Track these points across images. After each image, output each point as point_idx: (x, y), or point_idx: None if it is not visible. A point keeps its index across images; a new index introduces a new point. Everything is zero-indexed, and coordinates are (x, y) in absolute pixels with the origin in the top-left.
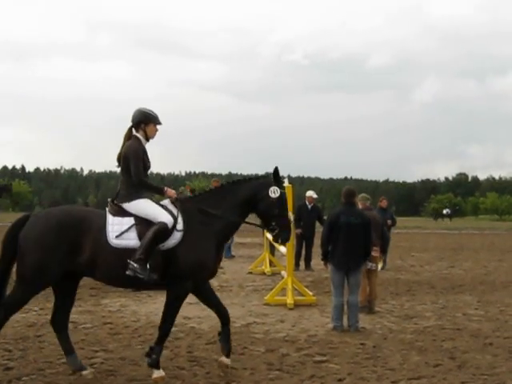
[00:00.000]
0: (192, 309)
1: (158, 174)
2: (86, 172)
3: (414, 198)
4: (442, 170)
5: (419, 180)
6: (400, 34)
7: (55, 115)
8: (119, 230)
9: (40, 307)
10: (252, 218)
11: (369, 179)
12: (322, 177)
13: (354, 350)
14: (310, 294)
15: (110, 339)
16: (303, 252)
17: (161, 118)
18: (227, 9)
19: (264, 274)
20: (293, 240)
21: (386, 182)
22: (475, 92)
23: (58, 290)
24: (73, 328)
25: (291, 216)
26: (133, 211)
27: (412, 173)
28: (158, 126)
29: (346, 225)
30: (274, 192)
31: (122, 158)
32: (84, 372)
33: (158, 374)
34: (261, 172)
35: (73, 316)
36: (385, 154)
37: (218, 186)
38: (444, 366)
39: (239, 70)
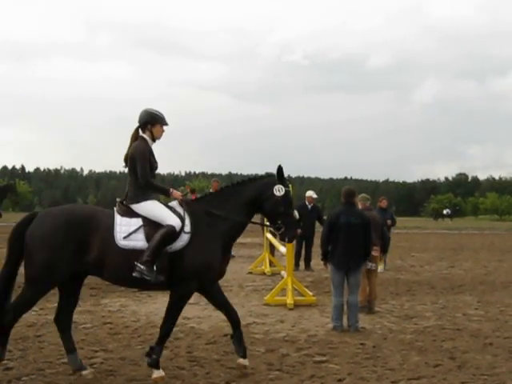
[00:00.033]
0: (192, 309)
1: (157, 174)
2: (85, 172)
3: (414, 198)
4: (441, 170)
5: (419, 180)
6: (400, 35)
7: (55, 115)
8: (127, 231)
9: (40, 307)
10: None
11: (369, 179)
12: (321, 177)
13: (353, 350)
14: (310, 294)
15: (109, 339)
16: (303, 252)
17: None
18: (227, 9)
19: (264, 274)
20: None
21: (386, 182)
22: (475, 92)
23: (63, 290)
24: (73, 328)
25: (297, 214)
26: (141, 212)
27: (412, 173)
28: (165, 127)
29: (346, 225)
30: (278, 190)
31: (129, 159)
32: (84, 372)
33: (157, 374)
34: (261, 172)
35: (73, 316)
36: (385, 154)
37: (224, 188)
38: (444, 366)
39: (239, 70)
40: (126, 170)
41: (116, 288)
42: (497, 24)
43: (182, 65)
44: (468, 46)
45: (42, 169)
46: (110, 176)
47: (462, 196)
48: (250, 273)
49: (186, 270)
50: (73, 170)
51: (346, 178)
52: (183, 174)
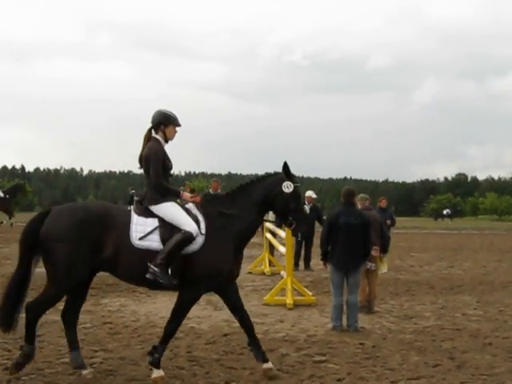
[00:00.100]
0: (192, 309)
1: None
2: (85, 172)
3: (414, 199)
4: (441, 171)
5: (418, 180)
6: (400, 35)
7: (55, 115)
8: (143, 231)
9: None
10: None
11: (368, 179)
12: (321, 177)
13: (353, 349)
14: (310, 294)
15: (109, 339)
16: (302, 252)
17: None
18: (227, 10)
19: (263, 273)
20: (292, 240)
21: (386, 182)
22: (475, 93)
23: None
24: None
25: (307, 209)
26: (159, 214)
27: (411, 173)
28: (177, 128)
29: (346, 225)
30: (287, 187)
31: (144, 160)
32: (84, 372)
33: (157, 373)
34: (261, 172)
35: None
36: (384, 154)
37: (233, 189)
38: (443, 366)
39: (239, 71)
40: (142, 172)
41: (116, 288)
42: (497, 24)
43: (182, 65)
44: (468, 46)
45: (41, 169)
46: (109, 176)
47: (462, 196)
48: (250, 273)
49: (196, 273)
50: (73, 170)
51: (345, 178)
52: (183, 173)
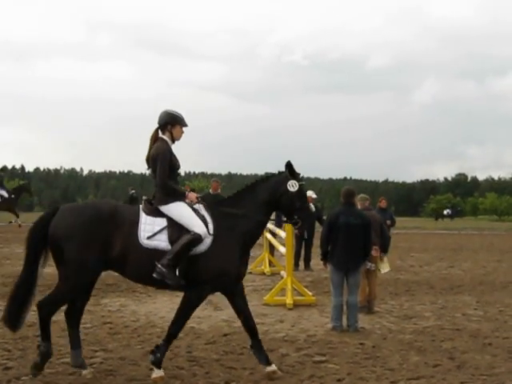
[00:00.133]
0: None
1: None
2: (85, 172)
3: (414, 199)
4: (441, 171)
5: (418, 180)
6: (400, 35)
7: (55, 115)
8: (151, 231)
9: None
10: None
11: (368, 179)
12: (321, 177)
13: (353, 350)
14: (310, 294)
15: (109, 339)
16: (302, 252)
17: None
18: (227, 10)
19: (263, 274)
20: (292, 240)
21: (386, 182)
22: (475, 93)
23: None
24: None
25: (312, 207)
26: (169, 214)
27: (411, 173)
28: (184, 128)
29: (346, 225)
30: (292, 186)
31: (152, 160)
32: (83, 372)
33: (157, 373)
34: (261, 172)
35: None
36: (384, 154)
37: (239, 190)
38: (443, 367)
39: (239, 71)
40: (150, 172)
41: (116, 288)
42: (497, 24)
43: (182, 65)
44: (468, 46)
45: (41, 169)
46: (109, 176)
47: (462, 196)
48: (250, 273)
49: (202, 273)
50: (72, 170)
51: (345, 178)
52: (183, 173)
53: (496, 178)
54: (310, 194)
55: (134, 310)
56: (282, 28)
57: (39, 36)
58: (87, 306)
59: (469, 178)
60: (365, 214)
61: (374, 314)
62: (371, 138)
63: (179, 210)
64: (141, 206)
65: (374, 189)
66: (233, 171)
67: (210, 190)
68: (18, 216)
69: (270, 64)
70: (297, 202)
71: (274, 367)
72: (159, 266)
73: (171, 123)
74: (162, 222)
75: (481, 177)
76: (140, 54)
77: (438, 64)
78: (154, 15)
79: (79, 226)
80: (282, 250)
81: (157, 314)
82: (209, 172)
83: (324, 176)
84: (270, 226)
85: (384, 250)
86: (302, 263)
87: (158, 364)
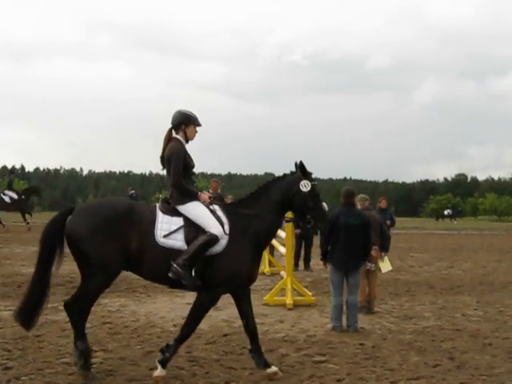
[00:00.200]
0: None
1: (157, 175)
2: (85, 172)
3: (413, 199)
4: (441, 171)
5: (418, 181)
6: (400, 35)
7: (55, 115)
8: (167, 230)
9: None
10: None
11: (368, 180)
12: (321, 177)
13: (353, 350)
14: (310, 294)
15: (109, 339)
16: (302, 252)
17: (199, 120)
18: (227, 10)
19: (263, 274)
20: (292, 240)
21: (385, 182)
22: (475, 93)
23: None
24: (72, 327)
25: (326, 206)
26: (185, 213)
27: (411, 173)
28: (198, 128)
29: (346, 225)
30: (305, 186)
31: (166, 160)
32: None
33: (160, 372)
34: (260, 172)
35: None
36: (384, 154)
37: (252, 191)
38: (443, 367)
39: (239, 71)
40: (165, 172)
41: (116, 288)
42: (497, 24)
43: (182, 65)
44: (468, 46)
45: (41, 169)
46: (109, 176)
47: (461, 196)
48: None
49: (217, 274)
50: (72, 170)
51: (345, 179)
52: None
53: (496, 178)
54: None
55: (133, 310)
56: (282, 28)
57: (39, 36)
58: None
59: (469, 179)
60: (365, 214)
61: (373, 314)
62: (371, 138)
63: (196, 210)
64: (157, 204)
65: (373, 189)
66: (233, 171)
67: (210, 190)
68: (30, 215)
69: (269, 64)
70: (309, 201)
71: (274, 368)
72: (175, 265)
73: (185, 123)
74: (178, 222)
75: (481, 177)
76: (140, 54)
77: (438, 64)
78: (153, 15)
79: (96, 226)
80: (282, 250)
81: (157, 314)
82: (209, 172)
83: (324, 176)
84: None
85: (384, 249)
86: (301, 263)
87: (164, 363)
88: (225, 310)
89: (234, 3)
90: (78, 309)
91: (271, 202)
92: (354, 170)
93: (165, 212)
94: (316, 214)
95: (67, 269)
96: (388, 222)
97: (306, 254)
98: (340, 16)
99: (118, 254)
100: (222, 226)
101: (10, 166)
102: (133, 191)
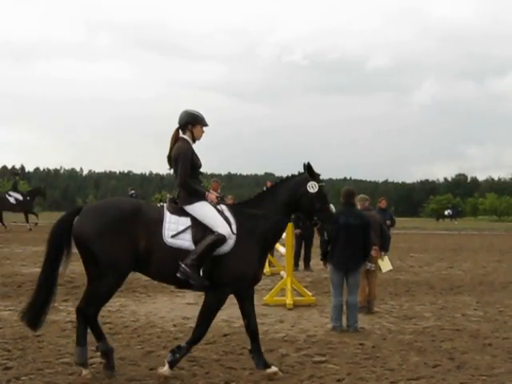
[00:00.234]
0: (191, 309)
1: (157, 175)
2: (85, 172)
3: (413, 199)
4: (441, 171)
5: (418, 181)
6: (400, 35)
7: (55, 115)
8: (175, 230)
9: None
10: None
11: (368, 180)
12: (321, 177)
13: (353, 350)
14: (310, 294)
15: (109, 339)
16: (302, 252)
17: (206, 120)
18: (227, 10)
19: (263, 274)
20: (292, 240)
21: (385, 182)
22: (475, 93)
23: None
24: (72, 328)
25: (333, 208)
26: (193, 213)
27: (411, 174)
28: (205, 128)
29: (345, 225)
30: (312, 187)
31: (173, 160)
32: (84, 371)
33: (165, 371)
34: (260, 172)
35: (71, 316)
36: (384, 154)
37: (259, 192)
38: (443, 367)
39: (239, 71)
40: (172, 172)
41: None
42: (497, 24)
43: (182, 65)
44: (468, 46)
45: (41, 169)
46: (109, 176)
47: (461, 197)
48: None
49: (224, 274)
50: (72, 170)
51: (345, 179)
52: None
53: (496, 178)
54: None
55: (133, 310)
56: (282, 28)
57: (39, 36)
58: None
59: (469, 179)
60: (364, 214)
61: (373, 315)
62: (371, 138)
63: (203, 210)
64: (165, 204)
65: (373, 189)
66: (233, 171)
67: (210, 190)
68: (37, 216)
69: (269, 64)
70: (316, 203)
71: (274, 368)
72: (183, 265)
73: (192, 123)
74: (186, 222)
75: (481, 177)
76: (140, 54)
77: (438, 64)
78: (153, 15)
79: (104, 226)
80: (282, 250)
81: (157, 314)
82: (209, 172)
83: (324, 176)
84: None
85: (384, 249)
86: (301, 263)
87: (173, 364)
88: (225, 310)
89: (234, 3)
90: (92, 311)
91: (278, 203)
92: (353, 170)
93: (172, 212)
94: (323, 215)
95: (67, 269)
96: (388, 222)
97: (305, 254)
98: (340, 16)
99: (127, 253)
100: (230, 226)
101: (10, 166)
102: (133, 191)
